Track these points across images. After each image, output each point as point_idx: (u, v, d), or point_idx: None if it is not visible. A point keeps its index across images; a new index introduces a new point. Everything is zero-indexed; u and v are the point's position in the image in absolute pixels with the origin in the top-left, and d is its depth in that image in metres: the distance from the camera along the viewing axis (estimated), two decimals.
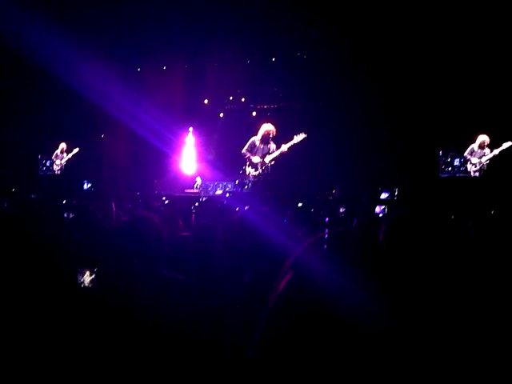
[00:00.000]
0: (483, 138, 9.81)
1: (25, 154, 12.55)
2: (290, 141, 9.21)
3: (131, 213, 4.09)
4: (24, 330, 1.54)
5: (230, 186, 10.81)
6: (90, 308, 1.69)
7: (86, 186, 11.71)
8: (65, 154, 12.53)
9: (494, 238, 2.89)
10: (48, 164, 12.77)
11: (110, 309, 1.75)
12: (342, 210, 6.69)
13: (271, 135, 9.27)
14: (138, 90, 11.54)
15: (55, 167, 12.55)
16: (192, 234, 3.28)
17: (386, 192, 8.49)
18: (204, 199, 8.06)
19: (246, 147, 9.33)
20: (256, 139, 9.32)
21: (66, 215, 3.12)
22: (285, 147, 9.16)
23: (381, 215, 5.66)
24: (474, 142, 9.93)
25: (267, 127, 9.26)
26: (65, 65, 9.89)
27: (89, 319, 1.64)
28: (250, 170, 9.29)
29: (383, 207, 5.55)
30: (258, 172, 9.22)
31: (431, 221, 1.68)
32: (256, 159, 9.19)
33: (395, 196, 8.36)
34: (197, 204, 7.08)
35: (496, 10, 8.51)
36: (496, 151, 9.56)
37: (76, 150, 12.34)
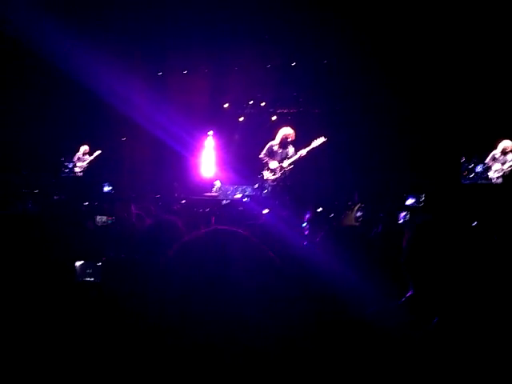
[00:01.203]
0: (506, 144, 9.66)
1: (48, 156, 12.76)
2: (309, 145, 9.18)
3: (153, 216, 4.12)
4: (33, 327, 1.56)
5: (249, 189, 10.83)
6: (111, 312, 1.70)
7: (106, 189, 11.85)
8: (87, 156, 12.69)
9: None
10: (70, 166, 12.95)
11: (130, 311, 1.76)
12: (359, 214, 6.64)
13: (289, 139, 9.24)
14: (158, 94, 11.67)
15: (77, 169, 12.72)
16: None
17: (411, 198, 8.42)
18: (224, 203, 8.09)
19: (264, 151, 9.33)
20: (274, 143, 9.31)
21: (97, 219, 3.18)
22: (304, 151, 9.13)
23: (401, 221, 5.61)
24: (495, 148, 9.78)
25: (285, 131, 9.24)
26: (87, 69, 10.04)
27: (108, 323, 1.65)
28: (268, 175, 9.29)
29: (405, 213, 5.50)
30: (276, 176, 9.21)
31: (455, 228, 1.67)
32: (274, 164, 9.19)
33: (421, 202, 8.28)
34: (216, 208, 7.12)
35: None
36: None
37: (98, 153, 12.48)
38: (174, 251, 0.90)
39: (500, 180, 9.70)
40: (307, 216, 5.58)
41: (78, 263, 1.73)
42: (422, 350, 1.40)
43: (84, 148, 12.69)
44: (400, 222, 5.45)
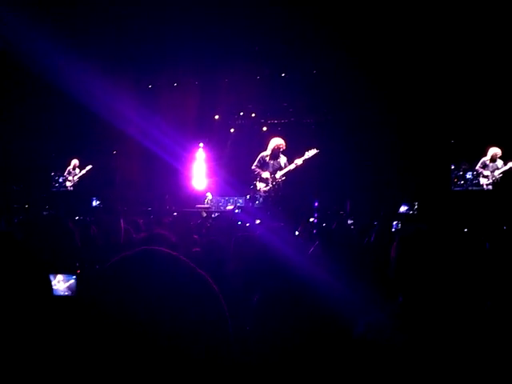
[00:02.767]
0: (494, 151, 9.72)
1: (38, 171, 12.69)
2: (301, 156, 9.15)
3: (143, 229, 4.09)
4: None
5: (241, 201, 10.81)
6: (97, 324, 1.66)
7: (94, 203, 11.82)
8: (77, 170, 12.62)
9: (509, 252, 2.85)
10: (61, 180, 12.88)
11: (116, 325, 1.72)
12: (349, 221, 6.64)
13: (281, 149, 9.21)
14: (149, 107, 11.66)
15: (68, 183, 12.65)
16: (202, 250, 3.27)
17: (404, 206, 8.44)
18: (215, 215, 8.06)
19: (255, 163, 9.30)
20: (265, 154, 9.28)
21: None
22: (296, 163, 9.10)
23: (393, 230, 5.62)
24: (485, 155, 9.85)
25: (276, 142, 9.21)
26: (77, 82, 10.02)
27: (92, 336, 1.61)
28: (260, 186, 9.26)
29: (397, 222, 5.51)
30: (268, 187, 9.18)
31: (444, 236, 1.66)
32: (266, 174, 9.17)
33: (415, 210, 8.31)
34: (207, 219, 7.09)
35: (505, 23, 8.49)
36: (510, 165, 9.45)
37: (89, 167, 12.41)
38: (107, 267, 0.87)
39: (490, 187, 9.75)
40: (299, 227, 5.56)
41: (52, 277, 1.64)
42: (410, 359, 1.38)
43: (74, 162, 12.62)
44: (393, 230, 5.46)
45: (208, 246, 3.29)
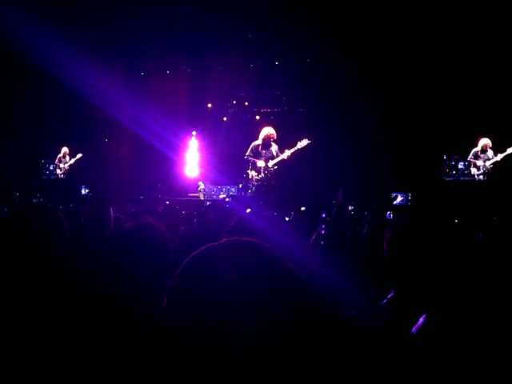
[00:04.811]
0: (485, 142, 9.76)
1: (28, 159, 12.57)
2: (293, 146, 9.13)
3: (134, 218, 4.05)
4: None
5: (233, 189, 10.79)
6: (86, 317, 1.64)
7: (83, 192, 11.75)
8: (67, 158, 12.50)
9: (502, 242, 2.85)
10: (52, 168, 12.78)
11: (107, 319, 1.70)
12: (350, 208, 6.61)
13: (272, 139, 9.19)
14: (141, 95, 11.55)
15: (58, 171, 12.54)
16: (194, 239, 3.24)
17: (398, 196, 8.46)
18: (207, 204, 8.03)
19: (248, 152, 9.28)
20: (257, 144, 9.26)
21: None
22: (287, 153, 9.08)
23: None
24: (476, 145, 9.88)
25: (267, 131, 9.18)
26: (68, 69, 9.90)
27: (84, 328, 1.60)
28: (253, 174, 9.24)
29: (389, 212, 5.51)
30: (261, 176, 9.16)
31: (435, 226, 1.65)
32: (260, 163, 9.15)
33: (408, 201, 8.33)
34: (199, 208, 7.06)
35: (498, 14, 8.48)
36: (500, 156, 9.50)
37: (79, 156, 12.29)
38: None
39: (482, 177, 9.79)
40: (291, 215, 5.55)
41: None
42: (403, 352, 1.37)
43: (64, 150, 12.49)
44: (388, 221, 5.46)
45: (200, 236, 3.26)
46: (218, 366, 0.75)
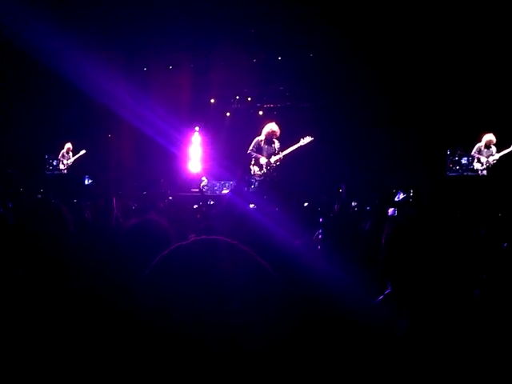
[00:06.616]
0: (489, 137, 9.75)
1: (32, 154, 12.60)
2: (296, 143, 9.12)
3: (138, 214, 4.07)
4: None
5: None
6: (89, 313, 1.65)
7: (87, 182, 11.74)
8: (71, 154, 12.53)
9: (505, 238, 2.85)
10: (55, 163, 12.80)
11: (111, 315, 1.72)
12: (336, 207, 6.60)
13: (274, 136, 9.17)
14: (144, 90, 11.55)
15: (62, 166, 12.57)
16: (198, 236, 3.24)
17: (400, 193, 8.42)
18: (210, 199, 8.04)
19: (251, 147, 9.26)
20: (260, 139, 9.24)
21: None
22: (290, 149, 9.08)
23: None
24: (479, 141, 9.87)
25: (270, 127, 9.15)
26: (71, 65, 9.90)
27: (88, 323, 1.61)
28: (255, 170, 9.24)
29: (393, 209, 5.49)
30: (263, 171, 9.16)
31: (435, 222, 1.65)
32: (262, 159, 9.15)
33: (410, 197, 8.29)
34: (202, 204, 7.08)
35: (500, 11, 8.44)
36: (505, 152, 9.49)
37: (83, 152, 12.30)
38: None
39: (485, 172, 9.78)
40: (294, 211, 5.55)
41: None
42: (400, 347, 1.38)
43: (68, 146, 12.52)
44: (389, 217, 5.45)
45: (204, 233, 3.27)
46: (190, 362, 0.77)
